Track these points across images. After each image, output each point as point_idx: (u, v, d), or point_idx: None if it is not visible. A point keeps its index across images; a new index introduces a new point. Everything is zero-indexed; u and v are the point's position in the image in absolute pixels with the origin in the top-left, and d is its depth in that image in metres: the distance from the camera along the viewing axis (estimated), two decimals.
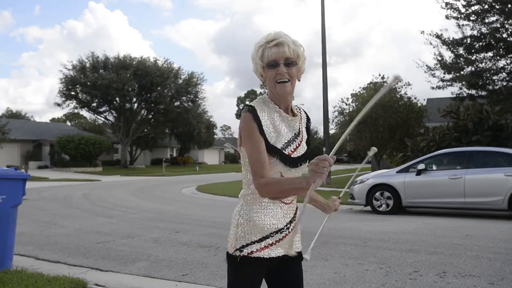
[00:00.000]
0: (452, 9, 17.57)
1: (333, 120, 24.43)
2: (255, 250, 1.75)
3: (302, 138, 1.85)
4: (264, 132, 1.73)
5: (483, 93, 18.39)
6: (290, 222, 1.83)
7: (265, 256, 1.76)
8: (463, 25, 17.62)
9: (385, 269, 4.90)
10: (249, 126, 1.72)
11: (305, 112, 1.95)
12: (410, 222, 8.84)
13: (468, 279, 4.50)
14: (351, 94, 23.92)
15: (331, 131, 25.47)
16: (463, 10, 17.42)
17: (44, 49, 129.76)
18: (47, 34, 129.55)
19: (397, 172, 10.61)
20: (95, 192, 17.31)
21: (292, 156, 1.77)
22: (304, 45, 1.79)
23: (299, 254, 1.88)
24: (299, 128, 1.86)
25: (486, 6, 16.69)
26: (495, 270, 4.83)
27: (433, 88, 18.89)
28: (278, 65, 1.73)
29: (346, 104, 23.68)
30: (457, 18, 17.62)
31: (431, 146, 15.58)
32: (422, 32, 18.19)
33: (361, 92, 23.73)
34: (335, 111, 24.18)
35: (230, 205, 12.12)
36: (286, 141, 1.79)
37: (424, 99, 24.87)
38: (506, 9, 16.12)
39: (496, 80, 18.19)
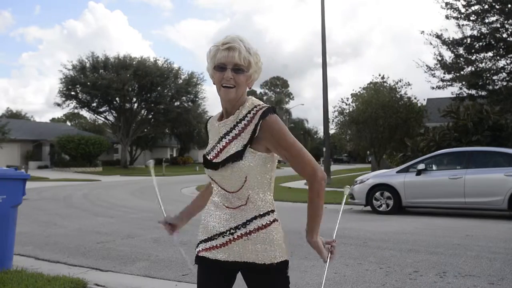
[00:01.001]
0: (452, 9, 17.58)
1: (333, 120, 24.47)
2: (201, 250, 1.85)
3: (227, 143, 1.75)
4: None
5: (483, 93, 18.40)
6: (237, 228, 1.74)
7: (210, 257, 1.81)
8: (463, 25, 17.64)
9: (385, 269, 4.90)
10: None
11: (264, 111, 1.71)
12: (410, 222, 8.84)
13: (468, 279, 4.49)
14: (351, 94, 23.96)
15: (331, 131, 25.49)
16: (463, 10, 17.42)
17: (44, 49, 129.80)
18: (47, 34, 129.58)
19: (397, 172, 10.61)
20: (95, 192, 17.32)
21: (213, 161, 1.77)
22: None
23: (263, 266, 1.73)
24: (227, 132, 1.77)
25: (486, 6, 16.69)
26: (495, 270, 4.83)
27: (433, 88, 18.92)
28: (225, 69, 1.71)
29: (346, 104, 23.70)
30: (457, 18, 17.62)
31: (431, 146, 15.57)
32: (422, 32, 18.23)
33: (361, 92, 23.74)
34: (335, 111, 24.22)
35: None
36: (211, 146, 1.83)
37: (424, 99, 24.90)
38: (506, 9, 16.13)
39: (496, 80, 18.20)
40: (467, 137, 15.15)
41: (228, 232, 1.76)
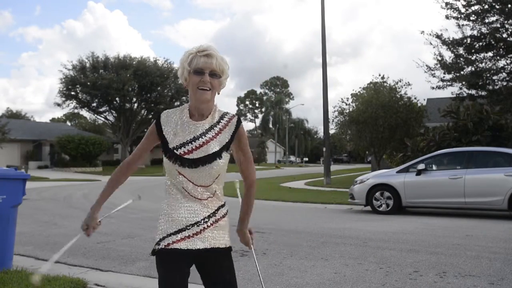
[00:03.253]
0: (452, 9, 17.55)
1: (333, 120, 24.41)
2: (171, 242, 1.92)
3: (204, 142, 1.95)
4: (163, 133, 1.98)
5: (483, 93, 18.37)
6: (209, 216, 1.96)
7: (183, 248, 1.91)
8: (463, 25, 17.61)
9: (385, 269, 4.90)
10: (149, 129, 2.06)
11: (238, 120, 2.03)
12: (410, 222, 8.84)
13: (468, 279, 4.49)
14: (351, 94, 23.87)
15: (331, 131, 25.45)
16: (463, 10, 17.40)
17: (43, 49, 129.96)
18: (47, 34, 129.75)
19: (397, 172, 10.61)
20: (95, 192, 17.30)
21: (184, 156, 1.91)
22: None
23: (226, 250, 2.01)
24: (203, 133, 1.96)
25: (486, 6, 16.67)
26: (495, 270, 4.83)
27: (433, 88, 18.88)
28: (203, 73, 1.91)
29: (346, 104, 23.65)
30: (457, 18, 17.60)
31: (431, 146, 15.57)
32: (422, 32, 18.18)
33: (361, 92, 23.71)
34: (335, 111, 24.14)
35: (228, 204, 12.09)
36: (181, 142, 1.94)
37: (424, 99, 24.81)
38: (506, 9, 16.11)
39: (496, 80, 18.17)
40: (467, 137, 15.15)
41: (202, 221, 1.94)
